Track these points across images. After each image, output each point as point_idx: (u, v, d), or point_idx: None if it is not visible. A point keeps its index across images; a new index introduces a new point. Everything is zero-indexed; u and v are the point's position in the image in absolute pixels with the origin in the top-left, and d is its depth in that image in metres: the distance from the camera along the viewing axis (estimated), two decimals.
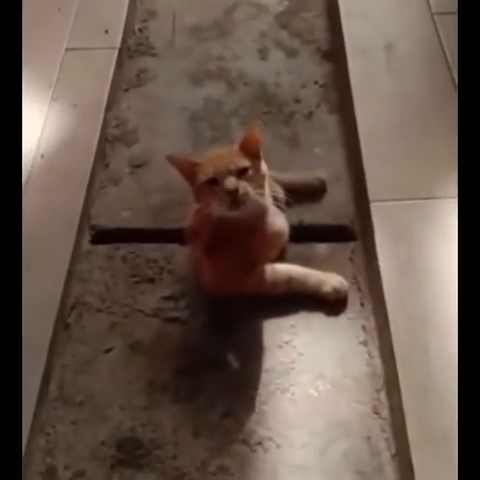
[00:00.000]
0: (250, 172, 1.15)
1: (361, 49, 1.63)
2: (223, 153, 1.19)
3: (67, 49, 1.74)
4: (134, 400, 1.16)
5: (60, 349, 1.23)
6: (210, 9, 1.93)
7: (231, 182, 1.12)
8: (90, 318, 1.27)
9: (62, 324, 1.26)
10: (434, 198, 1.30)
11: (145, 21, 1.90)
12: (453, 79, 1.51)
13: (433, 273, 1.20)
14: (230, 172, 1.13)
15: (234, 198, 1.12)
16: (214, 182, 1.14)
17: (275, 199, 1.29)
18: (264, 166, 1.20)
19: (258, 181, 1.17)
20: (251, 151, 1.17)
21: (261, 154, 1.19)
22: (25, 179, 1.45)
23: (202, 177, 1.15)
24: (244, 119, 1.62)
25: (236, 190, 1.12)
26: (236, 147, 1.18)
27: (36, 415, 1.13)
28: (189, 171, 1.18)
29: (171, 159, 1.20)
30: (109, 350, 1.22)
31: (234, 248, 1.22)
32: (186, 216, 1.30)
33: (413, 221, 1.27)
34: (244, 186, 1.13)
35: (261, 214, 1.22)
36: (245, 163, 1.15)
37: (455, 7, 1.68)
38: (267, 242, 1.27)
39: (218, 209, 1.14)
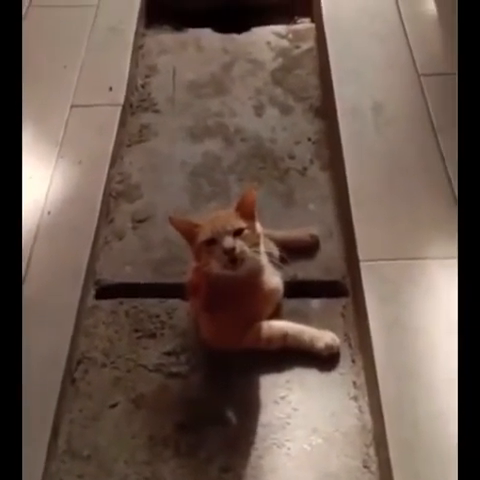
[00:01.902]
0: (246, 232, 1.24)
1: (351, 108, 1.72)
2: (221, 215, 1.28)
3: (72, 106, 1.82)
4: (137, 455, 1.22)
5: (68, 404, 1.30)
6: (208, 65, 2.02)
7: (229, 241, 1.20)
8: (95, 373, 1.34)
9: (69, 379, 1.33)
10: (420, 258, 1.38)
11: (147, 77, 1.99)
12: (437, 140, 1.60)
13: (420, 331, 1.27)
14: (227, 232, 1.21)
15: (231, 257, 1.21)
16: (212, 242, 1.22)
17: (270, 256, 1.37)
18: (259, 226, 1.29)
19: (254, 240, 1.25)
20: (247, 212, 1.26)
21: (256, 214, 1.28)
22: (33, 236, 1.52)
23: (201, 237, 1.24)
24: (241, 175, 1.70)
25: (233, 249, 1.20)
26: (233, 209, 1.27)
27: (46, 468, 1.19)
28: (189, 232, 1.27)
29: (172, 221, 1.29)
30: (114, 405, 1.29)
31: (232, 305, 1.30)
32: (186, 271, 1.38)
33: (401, 280, 1.35)
34: (241, 245, 1.21)
35: (257, 272, 1.30)
36: (241, 224, 1.23)
37: (441, 68, 1.80)
38: (263, 299, 1.35)
39: (216, 268, 1.22)
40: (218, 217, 1.26)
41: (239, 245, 1.21)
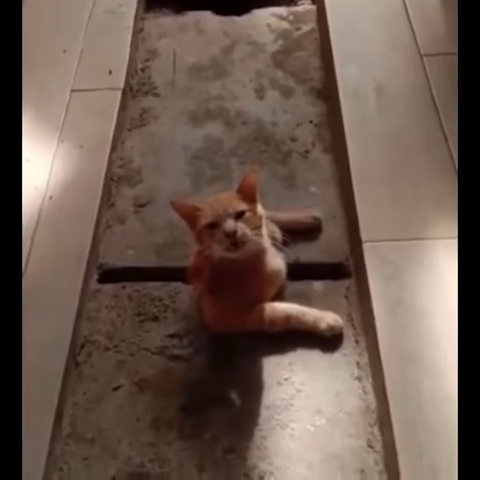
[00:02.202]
0: (247, 214, 1.23)
1: (353, 90, 1.71)
2: (222, 198, 1.27)
3: (73, 90, 1.81)
4: (142, 436, 1.22)
5: (71, 387, 1.30)
6: (209, 48, 2.00)
7: (230, 225, 1.20)
8: (99, 356, 1.34)
9: (73, 362, 1.33)
10: (423, 239, 1.37)
11: (147, 60, 1.98)
12: (440, 120, 1.59)
13: (423, 312, 1.27)
14: (229, 215, 1.21)
15: (233, 240, 1.20)
16: (214, 225, 1.22)
17: (272, 239, 1.37)
18: (260, 208, 1.28)
19: (255, 223, 1.25)
20: (248, 195, 1.25)
21: (257, 197, 1.27)
22: (35, 221, 1.52)
23: (202, 221, 1.23)
24: (243, 158, 1.69)
25: (235, 232, 1.20)
26: (234, 191, 1.26)
27: (50, 451, 1.20)
28: (190, 216, 1.26)
29: (174, 205, 1.28)
30: (117, 388, 1.29)
31: (234, 287, 1.29)
32: (189, 255, 1.37)
33: (404, 261, 1.34)
34: (242, 228, 1.21)
35: (259, 255, 1.30)
36: (242, 206, 1.23)
37: (443, 48, 1.79)
38: (266, 281, 1.35)
39: (218, 251, 1.22)
40: (219, 200, 1.26)
41: (240, 228, 1.20)
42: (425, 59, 1.75)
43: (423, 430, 1.14)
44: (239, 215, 1.22)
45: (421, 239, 1.37)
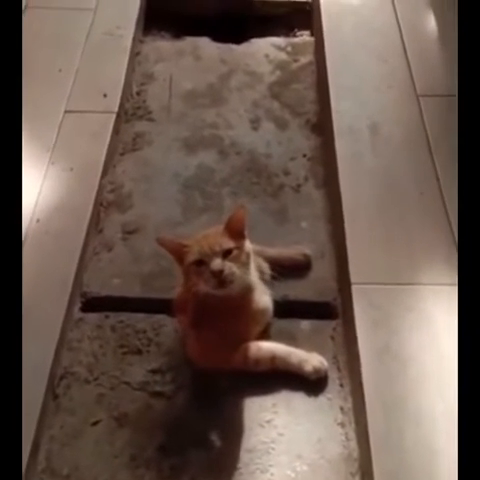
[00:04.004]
0: (235, 252, 1.22)
1: (347, 126, 1.71)
2: (209, 234, 1.25)
3: (66, 111, 1.79)
4: (118, 475, 1.19)
5: (49, 419, 1.27)
6: (206, 75, 2.00)
7: (217, 264, 1.18)
8: (78, 389, 1.31)
9: (51, 394, 1.30)
10: (413, 284, 1.36)
11: (143, 84, 1.97)
12: (434, 163, 1.59)
13: (411, 359, 1.26)
14: (216, 254, 1.20)
15: (220, 279, 1.19)
16: (201, 263, 1.20)
17: (261, 273, 1.36)
18: (248, 244, 1.27)
19: (243, 260, 1.24)
20: (236, 231, 1.24)
21: (246, 233, 1.26)
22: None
23: (190, 258, 1.22)
24: (234, 189, 1.68)
25: (221, 271, 1.18)
26: (221, 227, 1.25)
27: None
28: (177, 251, 1.25)
29: (160, 241, 1.27)
30: (96, 423, 1.26)
31: (219, 324, 1.28)
32: (175, 286, 1.36)
33: (393, 306, 1.33)
34: (229, 266, 1.20)
35: (247, 292, 1.29)
36: (230, 244, 1.22)
37: (439, 90, 1.79)
38: (252, 319, 1.33)
39: (205, 289, 1.21)
40: (206, 236, 1.24)
41: (228, 267, 1.19)
42: (421, 99, 1.75)
43: None
44: (226, 253, 1.21)
45: (411, 284, 1.36)
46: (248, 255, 1.25)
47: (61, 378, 1.33)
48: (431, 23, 2.01)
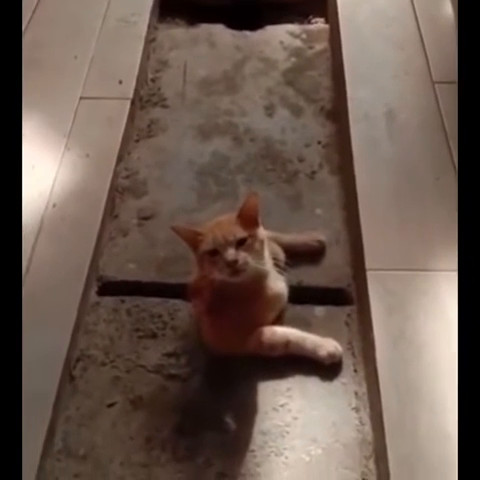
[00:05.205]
0: (249, 241, 1.22)
1: (363, 113, 1.70)
2: (223, 223, 1.25)
3: (81, 98, 1.80)
4: (134, 456, 1.20)
5: (65, 401, 1.28)
6: (220, 62, 2.00)
7: (230, 254, 1.19)
8: (94, 371, 1.32)
9: (68, 376, 1.31)
10: (428, 270, 1.36)
11: (157, 71, 1.97)
12: (450, 149, 1.58)
13: (425, 345, 1.26)
14: (229, 243, 1.20)
15: (234, 269, 1.19)
16: (215, 252, 1.21)
17: (275, 260, 1.36)
18: (262, 231, 1.27)
19: (257, 248, 1.24)
20: (249, 219, 1.24)
21: (259, 220, 1.26)
22: (37, 227, 1.51)
23: (204, 247, 1.22)
24: (249, 175, 1.68)
25: (235, 261, 1.19)
26: (235, 215, 1.25)
27: (41, 467, 1.17)
28: (192, 239, 1.26)
29: (175, 229, 1.28)
30: (112, 405, 1.27)
31: (234, 310, 1.28)
32: (190, 271, 1.36)
33: (407, 292, 1.33)
34: (243, 256, 1.20)
35: (261, 279, 1.29)
36: (243, 233, 1.21)
37: (455, 77, 1.77)
38: (267, 305, 1.34)
39: (219, 277, 1.21)
40: (220, 225, 1.24)
41: (241, 257, 1.19)
42: (437, 86, 1.74)
43: (419, 465, 1.12)
44: (240, 242, 1.21)
45: (426, 270, 1.36)
46: (262, 242, 1.25)
47: (77, 360, 1.34)
48: (447, 10, 1.99)
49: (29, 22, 2.00)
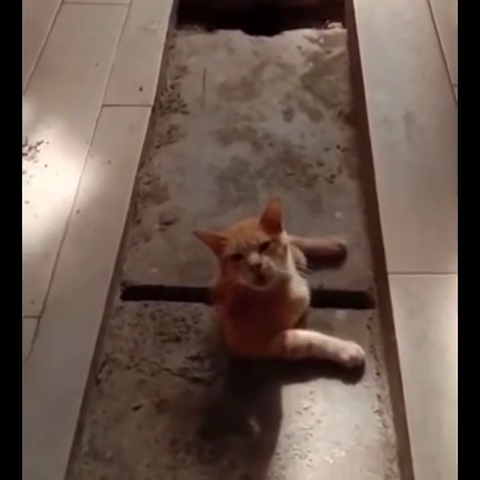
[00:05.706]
0: (272, 245, 1.23)
1: (382, 117, 1.71)
2: (246, 227, 1.26)
3: (103, 105, 1.83)
4: (159, 459, 1.22)
5: (91, 404, 1.30)
6: (238, 68, 2.02)
7: (254, 258, 1.20)
8: (120, 375, 1.35)
9: (94, 380, 1.34)
10: (449, 273, 1.37)
11: (177, 78, 1.99)
12: None
13: (448, 348, 1.26)
14: (252, 247, 1.21)
15: (257, 273, 1.20)
16: (238, 257, 1.22)
17: (297, 263, 1.37)
18: (285, 236, 1.28)
19: (279, 252, 1.24)
20: (272, 224, 1.25)
21: (282, 226, 1.27)
22: (62, 233, 1.54)
23: (227, 251, 1.24)
24: (269, 180, 1.70)
25: (259, 265, 1.20)
26: (258, 220, 1.26)
27: (69, 470, 1.19)
28: (215, 244, 1.27)
29: (198, 234, 1.29)
30: (137, 408, 1.29)
31: (257, 313, 1.29)
32: (213, 275, 1.38)
33: (429, 295, 1.34)
34: (267, 261, 1.21)
35: (284, 283, 1.30)
36: (266, 237, 1.22)
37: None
38: (289, 309, 1.35)
39: (243, 282, 1.22)
40: (243, 229, 1.26)
41: (265, 261, 1.20)
42: (455, 89, 1.74)
43: (443, 468, 1.13)
44: (263, 246, 1.22)
45: (447, 273, 1.36)
46: (285, 247, 1.26)
47: (103, 364, 1.36)
48: None
49: (51, 29, 2.04)
